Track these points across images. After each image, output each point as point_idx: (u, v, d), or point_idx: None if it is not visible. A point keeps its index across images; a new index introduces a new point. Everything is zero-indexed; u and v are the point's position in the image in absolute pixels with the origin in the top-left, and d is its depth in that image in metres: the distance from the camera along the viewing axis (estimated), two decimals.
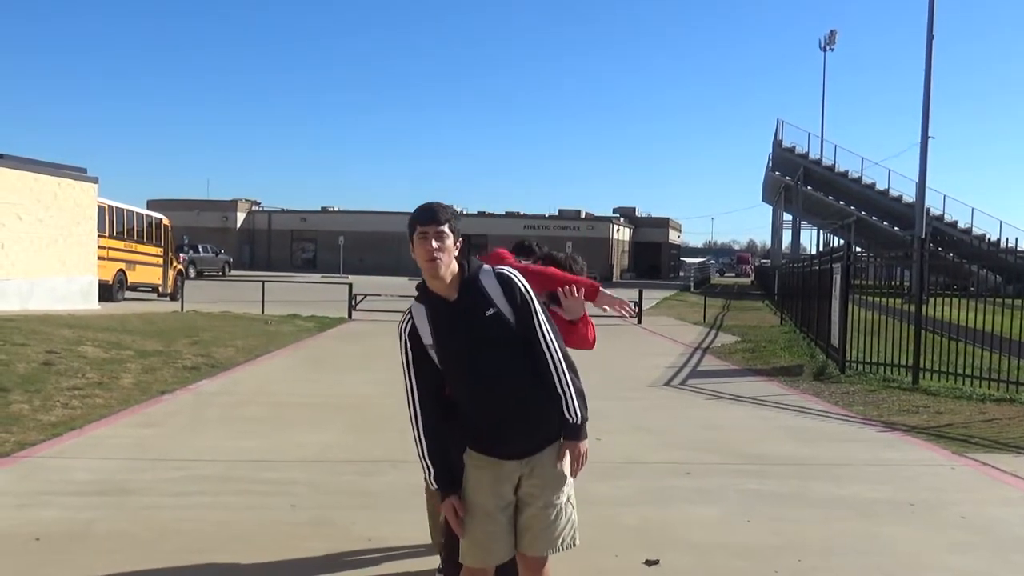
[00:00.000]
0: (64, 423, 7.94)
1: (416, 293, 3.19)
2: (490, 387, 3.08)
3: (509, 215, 70.75)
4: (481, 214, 72.08)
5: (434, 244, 3.02)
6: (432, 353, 3.13)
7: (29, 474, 6.30)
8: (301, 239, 70.19)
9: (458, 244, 3.11)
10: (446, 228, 3.05)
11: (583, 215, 70.17)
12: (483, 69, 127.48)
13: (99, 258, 24.07)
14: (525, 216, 70.05)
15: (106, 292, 25.04)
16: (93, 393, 9.40)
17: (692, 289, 50.46)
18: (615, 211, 79.51)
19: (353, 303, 22.90)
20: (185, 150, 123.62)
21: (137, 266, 28.35)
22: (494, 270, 3.15)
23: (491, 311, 3.07)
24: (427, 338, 3.12)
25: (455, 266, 3.09)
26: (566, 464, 3.19)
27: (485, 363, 3.07)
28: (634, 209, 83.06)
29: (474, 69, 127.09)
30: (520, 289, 3.12)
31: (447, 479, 3.16)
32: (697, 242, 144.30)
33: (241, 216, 69.71)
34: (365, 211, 69.07)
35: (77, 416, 8.29)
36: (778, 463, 7.23)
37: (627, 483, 6.48)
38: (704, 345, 17.52)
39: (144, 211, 30.40)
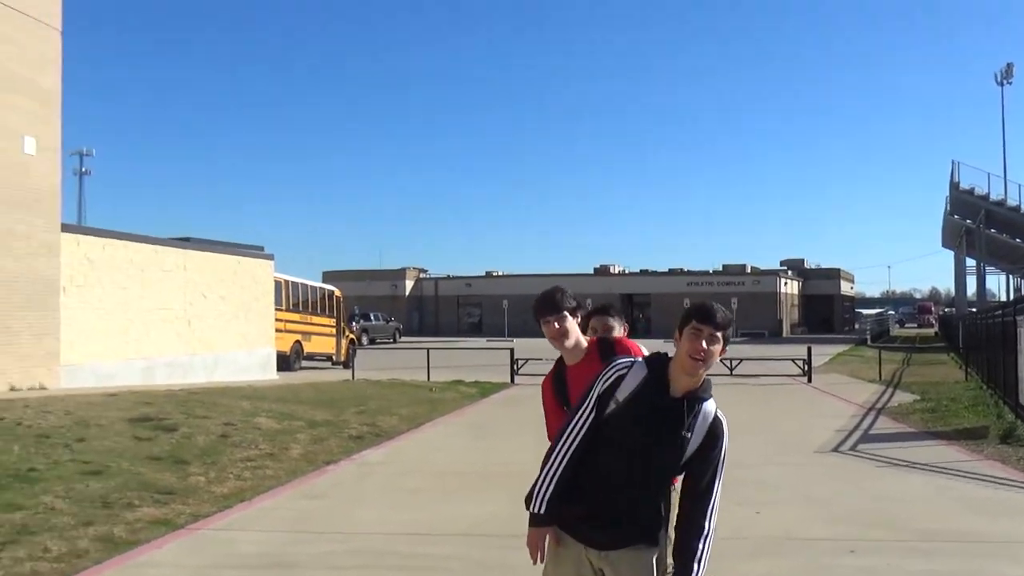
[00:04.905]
0: (235, 495, 8.35)
1: (653, 356, 3.18)
2: (628, 476, 3.08)
3: (672, 272, 69.98)
4: (644, 272, 71.68)
5: (704, 345, 3.01)
6: (611, 406, 3.11)
7: (200, 547, 6.65)
8: (467, 304, 71.81)
9: (723, 352, 3.10)
10: (720, 335, 3.03)
11: (748, 269, 68.55)
12: (635, 124, 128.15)
13: (277, 330, 25.49)
14: (688, 273, 69.11)
15: (284, 362, 26.45)
16: (264, 464, 9.86)
17: (868, 343, 48.08)
18: (782, 264, 77.23)
19: (515, 368, 23.12)
20: (358, 222, 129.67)
21: (312, 337, 29.79)
22: (716, 412, 3.14)
23: (687, 434, 3.06)
24: (622, 395, 3.10)
25: (704, 374, 3.09)
26: None
27: (642, 460, 3.06)
28: (802, 261, 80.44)
29: (624, 122, 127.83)
30: (723, 442, 3.13)
31: (555, 510, 3.15)
32: (873, 292, 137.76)
33: (409, 284, 72.18)
34: (528, 274, 69.85)
35: (247, 488, 8.70)
36: (953, 539, 6.72)
37: (785, 561, 6.18)
38: (878, 405, 16.60)
39: (317, 284, 32.01)
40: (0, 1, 14.83)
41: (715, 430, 3.10)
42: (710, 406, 3.11)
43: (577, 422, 3.16)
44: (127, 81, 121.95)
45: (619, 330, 4.21)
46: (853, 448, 11.41)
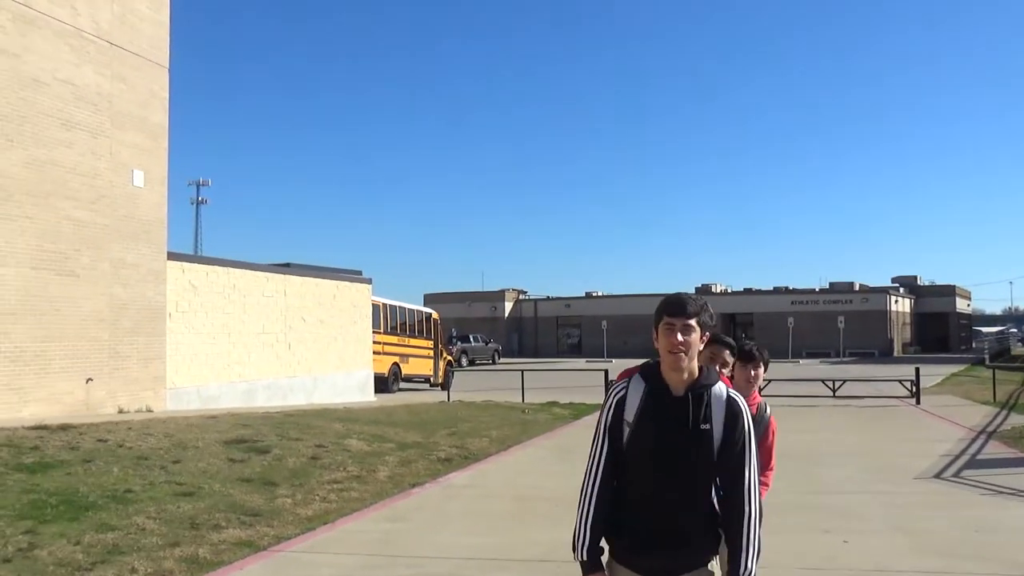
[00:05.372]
0: (319, 517, 8.50)
1: (643, 371, 3.13)
2: (665, 491, 2.99)
3: (776, 291, 68.36)
4: (747, 291, 70.31)
5: (679, 337, 2.98)
6: (626, 430, 3.05)
7: (280, 568, 6.78)
8: (566, 325, 71.68)
9: (704, 339, 3.05)
10: (693, 322, 3.00)
11: (856, 287, 66.42)
12: (746, 140, 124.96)
13: (375, 353, 25.95)
14: (793, 291, 67.41)
15: (382, 384, 26.89)
16: (350, 487, 10.01)
17: (987, 362, 45.87)
18: (894, 280, 74.59)
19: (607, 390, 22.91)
20: (461, 246, 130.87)
21: (410, 359, 30.23)
22: (728, 392, 3.07)
23: (706, 426, 2.99)
24: (630, 415, 3.04)
25: (695, 365, 3.04)
26: None
27: (673, 467, 2.99)
28: (916, 277, 77.50)
29: (731, 137, 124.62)
30: (744, 422, 3.04)
31: (597, 555, 3.07)
32: (995, 309, 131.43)
33: (509, 305, 72.50)
34: (628, 295, 69.48)
35: (332, 510, 8.85)
36: None
37: None
38: (989, 429, 15.81)
39: (415, 307, 32.49)
40: (111, 42, 15.62)
41: (732, 409, 3.01)
42: (719, 389, 3.04)
43: (594, 461, 3.10)
44: (239, 111, 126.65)
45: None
46: (957, 474, 10.87)
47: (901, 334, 67.59)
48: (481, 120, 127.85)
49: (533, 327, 71.98)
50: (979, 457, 12.42)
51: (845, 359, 53.36)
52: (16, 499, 8.02)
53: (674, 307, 3.02)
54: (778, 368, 39.36)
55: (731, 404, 3.02)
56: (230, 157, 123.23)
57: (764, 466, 4.69)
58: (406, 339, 30.11)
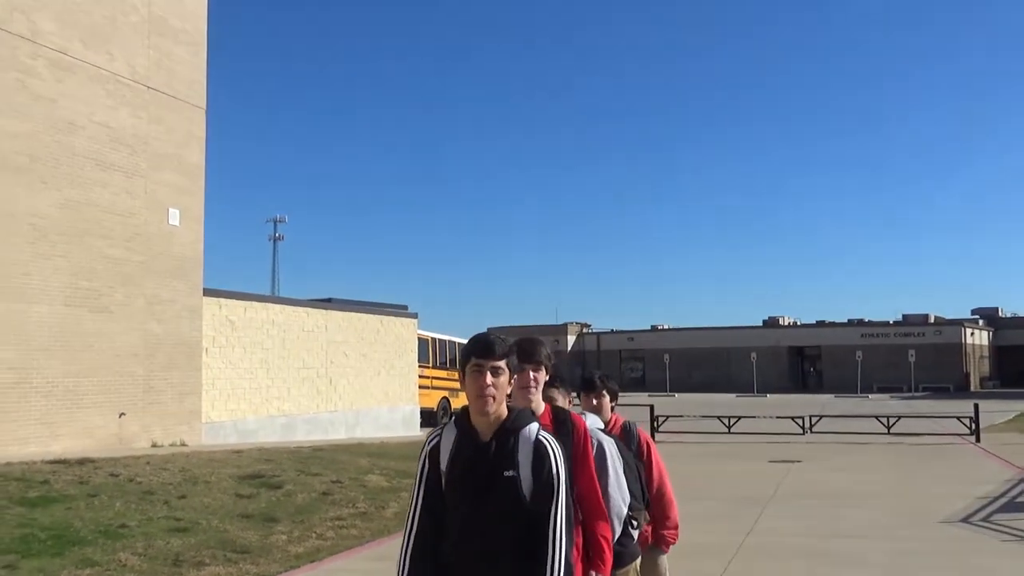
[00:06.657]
0: (308, 555, 8.43)
1: (455, 416, 3.04)
2: (473, 547, 2.85)
3: (849, 323, 66.73)
4: (820, 323, 68.74)
5: (488, 379, 2.87)
6: (444, 480, 2.94)
7: None
8: (630, 359, 71.01)
9: (511, 382, 2.96)
10: (503, 364, 2.90)
11: (931, 319, 64.38)
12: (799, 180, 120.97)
13: (423, 387, 26.02)
14: (864, 324, 65.70)
15: (431, 419, 26.88)
16: (352, 524, 9.94)
17: None
18: (974, 312, 72.07)
19: (655, 424, 22.54)
20: (536, 280, 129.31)
21: (460, 393, 30.15)
22: (537, 435, 2.92)
23: (509, 473, 2.86)
24: (443, 463, 2.95)
25: (504, 409, 2.93)
26: None
27: (478, 519, 2.85)
28: (997, 309, 74.76)
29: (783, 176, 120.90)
30: (552, 464, 2.89)
31: None
32: None
33: (572, 339, 72.23)
34: (694, 327, 68.72)
35: (325, 547, 8.78)
36: None
37: None
38: None
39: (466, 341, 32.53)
40: (148, 86, 16.12)
41: (540, 451, 2.88)
42: (529, 432, 2.91)
43: (410, 514, 2.98)
44: (315, 147, 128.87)
45: (562, 401, 3.98)
46: (986, 519, 10.30)
47: (978, 368, 65.13)
48: (562, 153, 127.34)
49: (596, 361, 71.51)
50: (1019, 500, 11.76)
51: (917, 394, 51.61)
52: (8, 533, 8.16)
53: (481, 348, 2.89)
54: (841, 404, 38.30)
55: (539, 447, 2.89)
56: (309, 193, 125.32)
57: (649, 489, 4.53)
58: (456, 373, 30.10)
